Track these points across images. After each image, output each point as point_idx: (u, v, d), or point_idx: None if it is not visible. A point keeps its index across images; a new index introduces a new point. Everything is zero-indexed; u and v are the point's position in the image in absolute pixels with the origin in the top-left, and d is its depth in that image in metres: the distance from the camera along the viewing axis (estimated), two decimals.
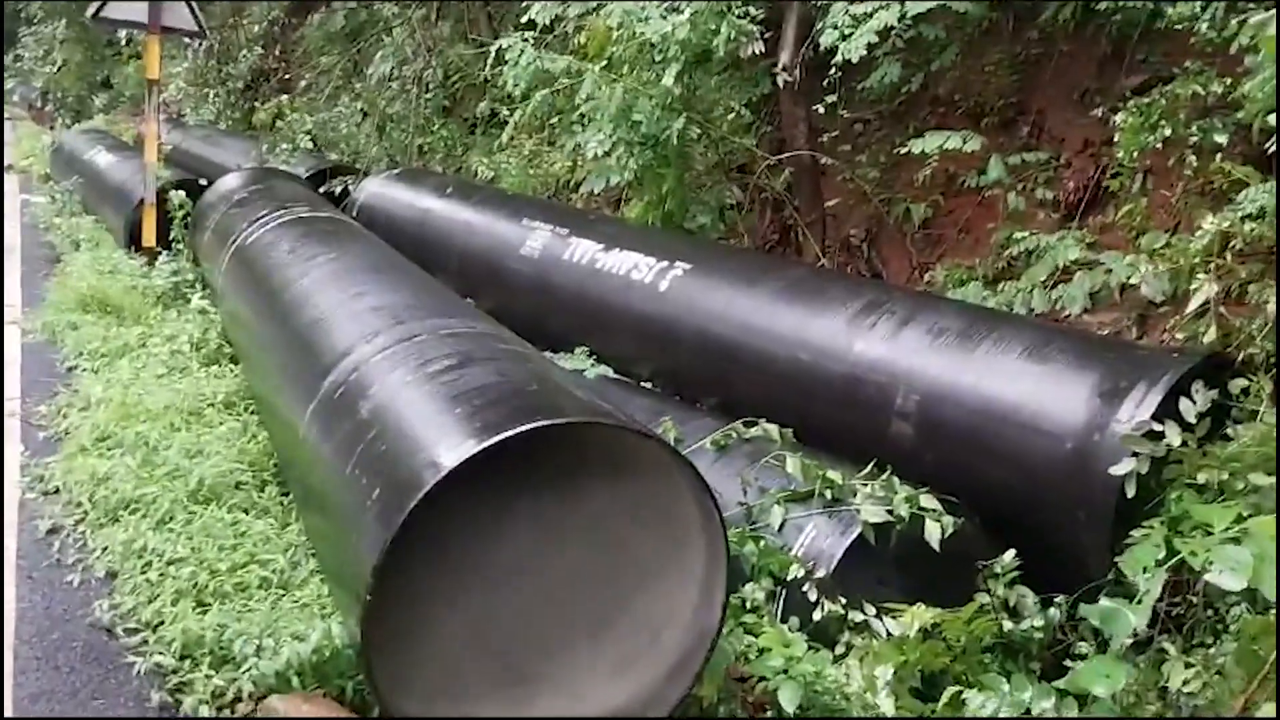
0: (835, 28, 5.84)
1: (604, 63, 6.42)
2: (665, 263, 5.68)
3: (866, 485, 3.88)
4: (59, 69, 23.36)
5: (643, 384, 5.61)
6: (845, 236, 6.92)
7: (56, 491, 4.06)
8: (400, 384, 3.15)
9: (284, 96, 10.79)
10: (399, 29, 9.63)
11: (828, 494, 3.87)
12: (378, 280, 4.43)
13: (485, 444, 2.55)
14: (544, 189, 8.72)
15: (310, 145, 10.27)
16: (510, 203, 7.34)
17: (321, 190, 8.89)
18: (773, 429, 4.51)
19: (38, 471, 4.21)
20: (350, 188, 9.08)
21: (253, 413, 5.00)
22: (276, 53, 13.88)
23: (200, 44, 13.81)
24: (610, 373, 5.75)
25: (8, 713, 2.88)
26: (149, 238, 8.48)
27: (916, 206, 6.62)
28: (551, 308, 6.26)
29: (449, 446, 2.61)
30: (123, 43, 22.98)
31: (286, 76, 13.89)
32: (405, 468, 2.66)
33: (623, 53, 6.40)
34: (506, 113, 7.58)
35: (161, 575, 3.26)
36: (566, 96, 6.69)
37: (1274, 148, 3.93)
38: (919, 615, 3.20)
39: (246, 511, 3.75)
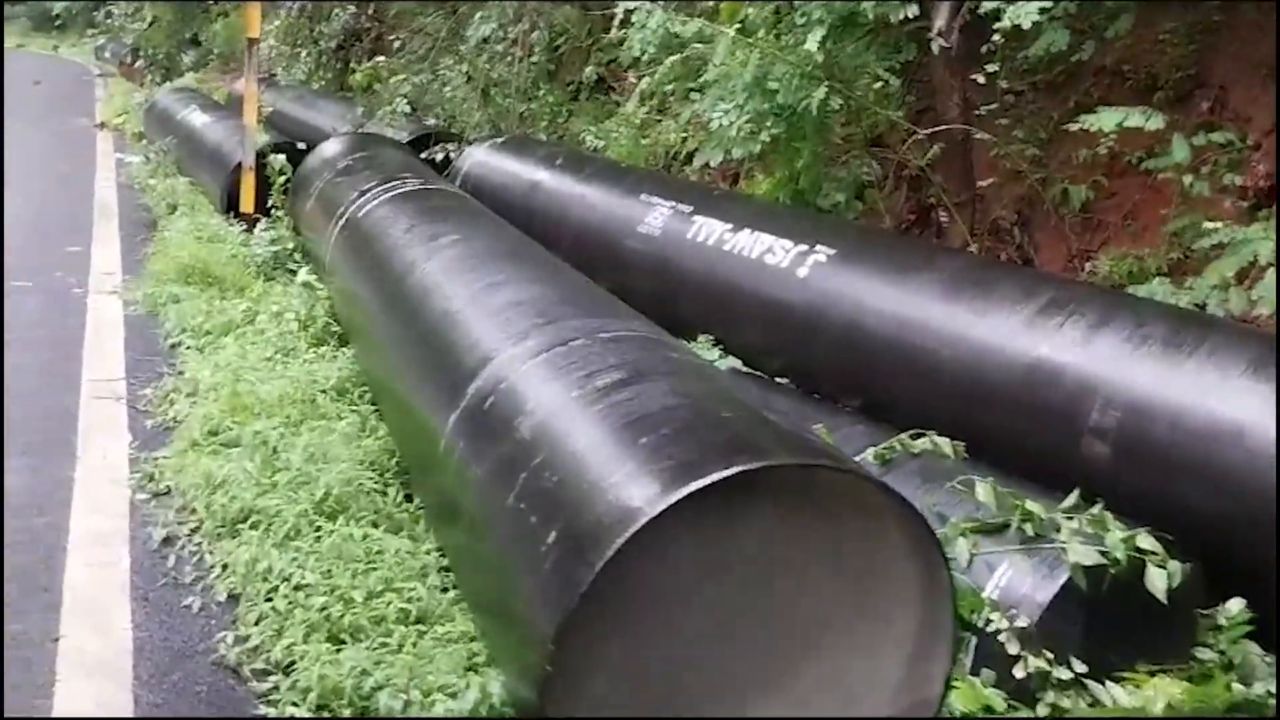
0: None
1: (737, 26, 5.91)
2: (804, 246, 5.19)
3: (1072, 519, 3.39)
4: (149, 25, 23.42)
5: (776, 379, 5.16)
6: (994, 219, 6.34)
7: (168, 493, 3.75)
8: (564, 401, 2.73)
9: (380, 58, 10.41)
10: None
11: (1027, 528, 3.39)
12: (513, 268, 4.02)
13: (686, 490, 2.13)
14: (654, 161, 8.24)
15: (407, 109, 9.90)
16: (626, 176, 6.88)
17: (422, 157, 8.52)
18: (944, 443, 4.01)
19: (147, 469, 3.91)
20: (451, 155, 8.71)
21: (369, 401, 4.66)
22: (370, 12, 13.51)
23: (294, 2, 13.54)
24: (740, 365, 5.31)
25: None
26: (247, 203, 8.22)
27: (1076, 188, 6.01)
28: (672, 291, 5.81)
29: (643, 490, 2.20)
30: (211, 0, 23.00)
31: (379, 37, 13.54)
32: (589, 513, 2.25)
33: (758, 15, 5.89)
34: (632, 79, 7.12)
35: (290, 604, 2.91)
36: (693, 63, 6.20)
37: None
38: (1162, 688, 2.73)
39: (376, 525, 3.39)
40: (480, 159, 8.06)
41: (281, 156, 7.94)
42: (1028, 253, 6.30)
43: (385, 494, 3.72)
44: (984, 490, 3.51)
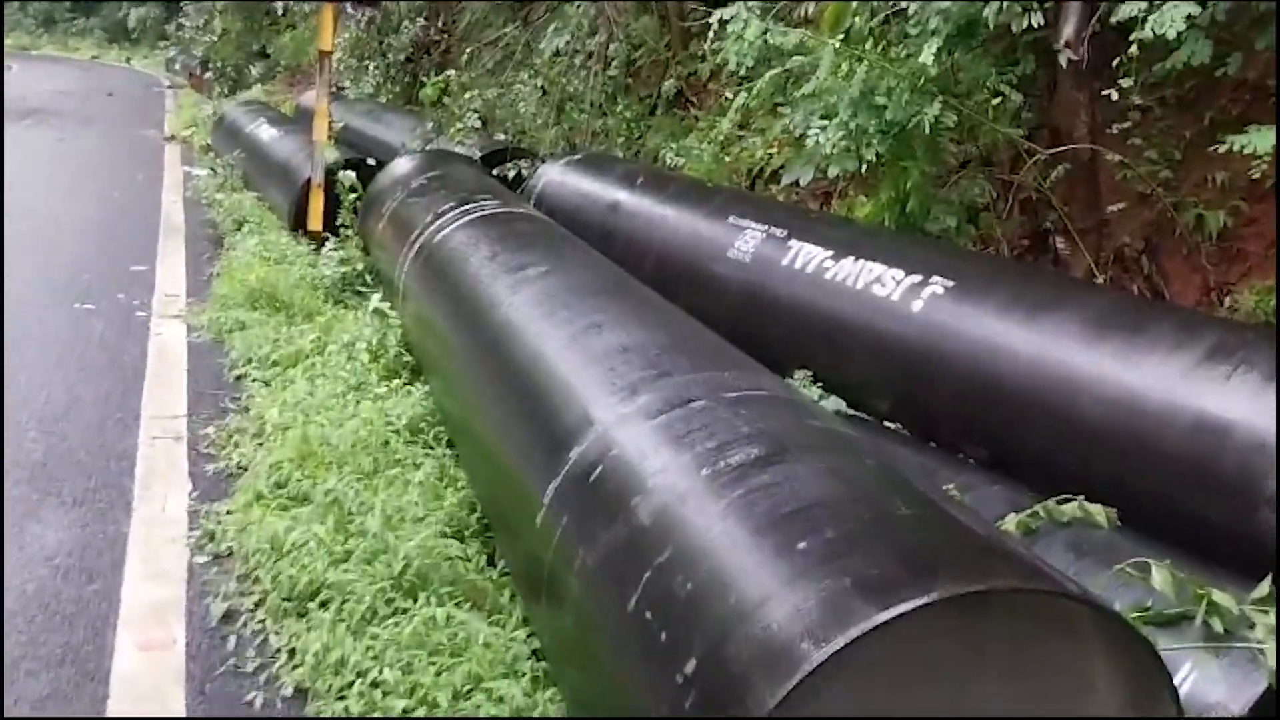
0: None
1: (840, 36, 5.46)
2: (918, 277, 4.72)
3: (1268, 614, 2.88)
4: (219, 37, 23.54)
5: (885, 422, 4.70)
6: (1119, 247, 5.81)
7: (229, 554, 3.39)
8: (692, 482, 2.30)
9: (451, 71, 10.11)
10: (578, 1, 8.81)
11: (1214, 622, 2.89)
12: (613, 305, 3.60)
13: (873, 623, 1.69)
14: (736, 179, 7.81)
15: (478, 124, 9.58)
16: (713, 197, 6.46)
17: (494, 174, 8.18)
18: (1096, 510, 3.50)
19: (208, 525, 3.55)
20: (524, 172, 8.37)
21: (445, 442, 4.28)
22: (439, 24, 13.27)
23: (363, 14, 13.34)
24: (843, 406, 4.85)
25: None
26: (315, 221, 7.94)
27: (1212, 214, 5.47)
28: (765, 321, 5.37)
29: (813, 619, 1.75)
30: (279, 12, 23.04)
31: (447, 50, 13.29)
32: (742, 645, 1.81)
33: (864, 25, 5.44)
34: (728, 94, 6.69)
35: (367, 705, 2.52)
36: (794, 75, 5.76)
37: None
38: None
39: (460, 602, 2.99)
40: (555, 177, 7.69)
41: (351, 173, 7.65)
42: (1157, 284, 5.75)
43: (467, 558, 3.33)
44: (1161, 576, 3.00)
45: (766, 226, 5.58)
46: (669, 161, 7.66)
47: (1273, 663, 2.71)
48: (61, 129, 16.27)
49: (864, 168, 5.60)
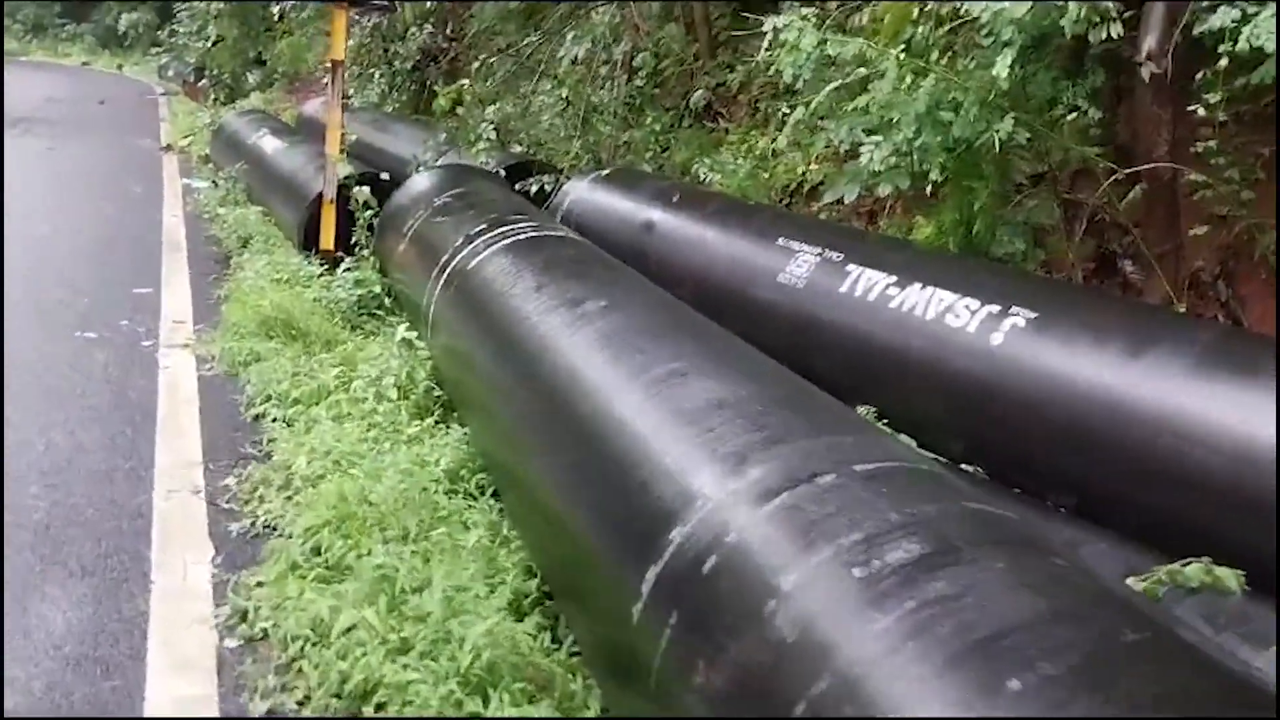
0: (1232, 3, 4.41)
1: (901, 47, 5.10)
2: (995, 307, 4.35)
3: None
4: (214, 44, 23.09)
5: (961, 466, 4.33)
6: (1193, 271, 5.45)
7: (264, 637, 2.99)
8: (843, 587, 1.91)
9: (465, 81, 9.73)
10: (600, 7, 8.43)
11: None
12: (694, 350, 3.21)
13: None
14: (772, 195, 7.43)
15: (493, 136, 9.19)
16: (757, 216, 6.08)
17: (516, 190, 7.79)
18: (1225, 574, 3.15)
19: (238, 601, 3.14)
20: (546, 188, 7.98)
21: (491, 493, 3.90)
22: (447, 31, 12.87)
23: (368, 20, 12.96)
24: (912, 445, 4.47)
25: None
26: (328, 240, 7.54)
27: None
28: (820, 353, 4.97)
29: None
30: (276, 18, 22.61)
31: (456, 58, 12.90)
32: None
33: (928, 34, 5.07)
34: (786, 108, 6.31)
35: None
36: (843, 88, 5.39)
37: None
38: None
39: (532, 697, 2.59)
40: (583, 194, 7.31)
41: (366, 189, 7.26)
42: (1235, 311, 5.40)
43: (533, 635, 2.93)
44: None
45: (820, 249, 5.21)
46: (702, 177, 7.28)
47: None
48: (52, 138, 15.83)
49: (923, 187, 5.24)
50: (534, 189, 7.92)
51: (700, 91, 8.12)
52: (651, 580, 2.33)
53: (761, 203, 6.77)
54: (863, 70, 4.97)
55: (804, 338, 5.05)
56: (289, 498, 3.73)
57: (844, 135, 5.71)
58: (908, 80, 4.92)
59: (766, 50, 5.25)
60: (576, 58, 8.89)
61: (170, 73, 27.82)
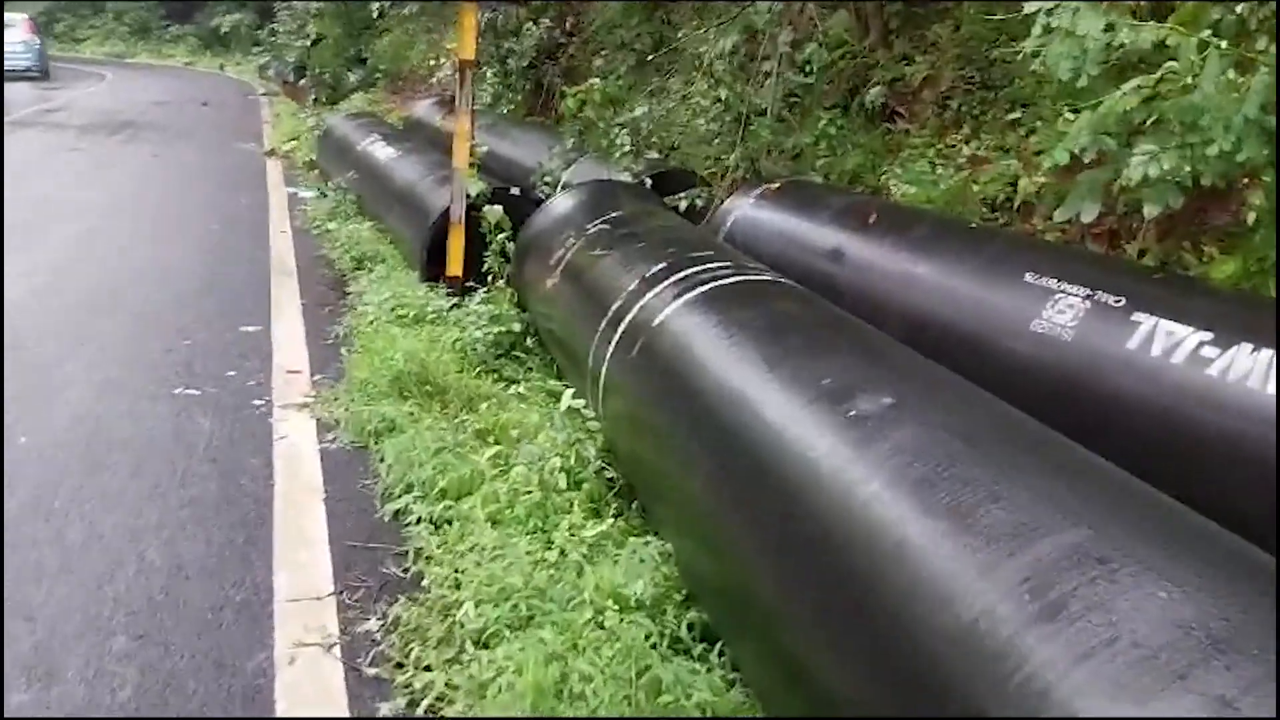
0: None
1: (1206, 32, 3.93)
2: None
3: None
4: (315, 43, 22.59)
5: None
6: None
7: None
8: None
9: (595, 80, 8.74)
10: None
11: None
12: (1048, 486, 2.17)
13: None
14: (971, 209, 6.27)
15: (626, 141, 8.19)
16: (989, 243, 4.92)
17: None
18: None
19: None
20: (697, 203, 6.95)
21: (716, 648, 2.89)
22: (566, 26, 11.94)
23: (483, 16, 12.07)
24: None
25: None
26: (455, 266, 6.62)
27: None
28: (1098, 429, 3.84)
29: None
30: (375, 15, 22.00)
31: (573, 54, 11.96)
32: None
33: (1247, 14, 3.90)
34: (968, 106, 5.19)
35: None
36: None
37: None
38: None
39: None
40: (748, 213, 6.24)
41: (498, 209, 6.32)
42: None
43: None
44: None
45: (1088, 290, 4.05)
46: (893, 189, 6.17)
47: None
48: (156, 143, 15.38)
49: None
50: (684, 205, 6.90)
51: (877, 88, 6.99)
52: None
53: (994, 227, 5.63)
54: (1174, 64, 3.80)
55: (1074, 407, 3.89)
56: (454, 661, 2.75)
57: (1083, 141, 4.58)
58: (1228, 76, 3.76)
59: (1034, 39, 4.10)
60: (724, 51, 7.83)
61: (271, 73, 27.56)
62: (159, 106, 21.50)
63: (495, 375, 5.35)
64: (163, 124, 18.08)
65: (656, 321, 3.84)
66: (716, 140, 7.38)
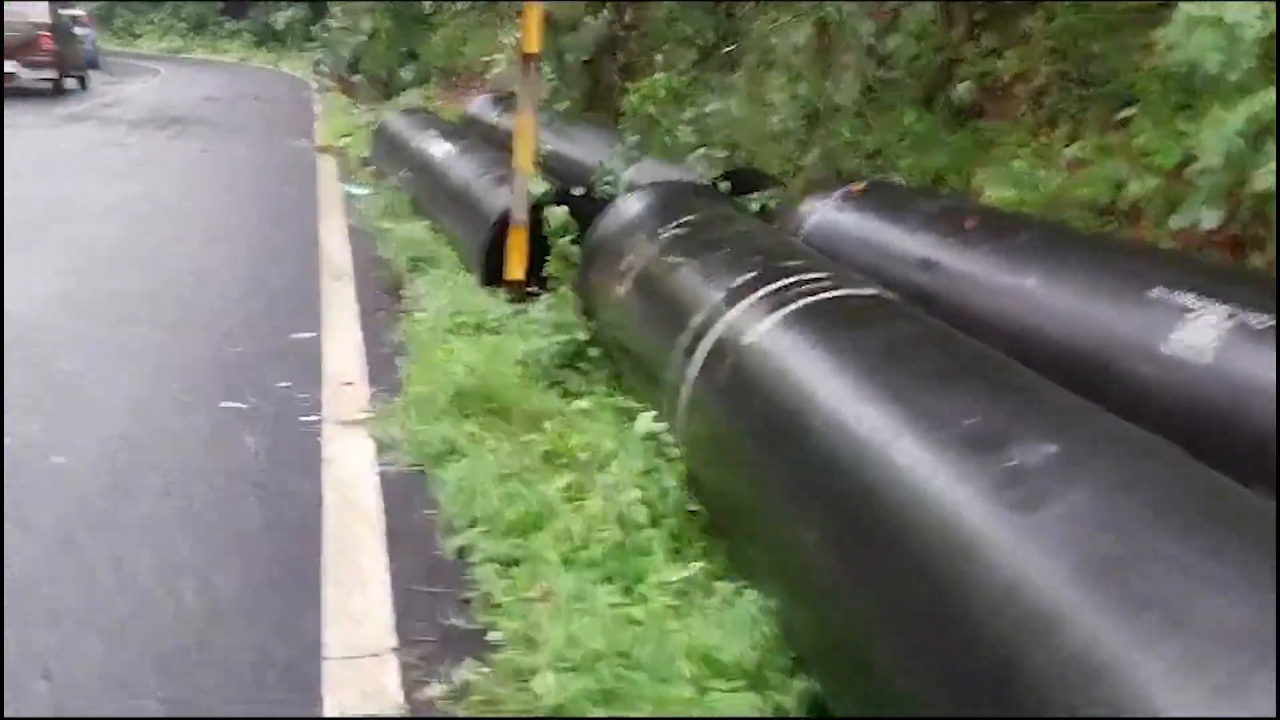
0: None
1: None
2: None
3: None
4: (369, 38, 22.42)
5: None
6: None
7: None
8: None
9: (661, 75, 8.37)
10: None
11: None
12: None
13: None
14: (1058, 211, 5.79)
15: (693, 141, 7.81)
16: (1106, 252, 4.48)
17: None
18: None
19: None
20: (769, 206, 6.53)
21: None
22: (624, 20, 11.56)
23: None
24: None
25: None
26: (516, 270, 6.27)
27: None
28: (1244, 466, 3.39)
29: None
30: (427, 10, 21.79)
31: (632, 49, 11.57)
32: None
33: None
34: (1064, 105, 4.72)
35: None
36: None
37: None
38: None
39: None
40: (828, 216, 5.81)
41: (563, 210, 5.96)
42: None
43: None
44: None
45: (1230, 307, 3.57)
46: (988, 193, 5.72)
47: None
48: (207, 139, 15.23)
49: None
50: (756, 207, 6.48)
51: (966, 83, 6.53)
52: None
53: (1110, 235, 5.16)
54: None
55: (1212, 442, 3.44)
56: None
57: (1210, 142, 4.13)
58: None
59: (1175, 28, 3.65)
60: (798, 45, 7.40)
61: (324, 68, 27.49)
62: (210, 102, 21.46)
63: (559, 388, 5.00)
64: (214, 119, 17.98)
65: (748, 340, 3.44)
66: (789, 138, 6.95)
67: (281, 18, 37.25)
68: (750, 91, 8.01)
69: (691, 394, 3.68)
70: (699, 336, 3.77)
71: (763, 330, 3.41)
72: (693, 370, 3.69)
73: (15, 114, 15.23)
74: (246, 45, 41.55)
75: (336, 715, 2.52)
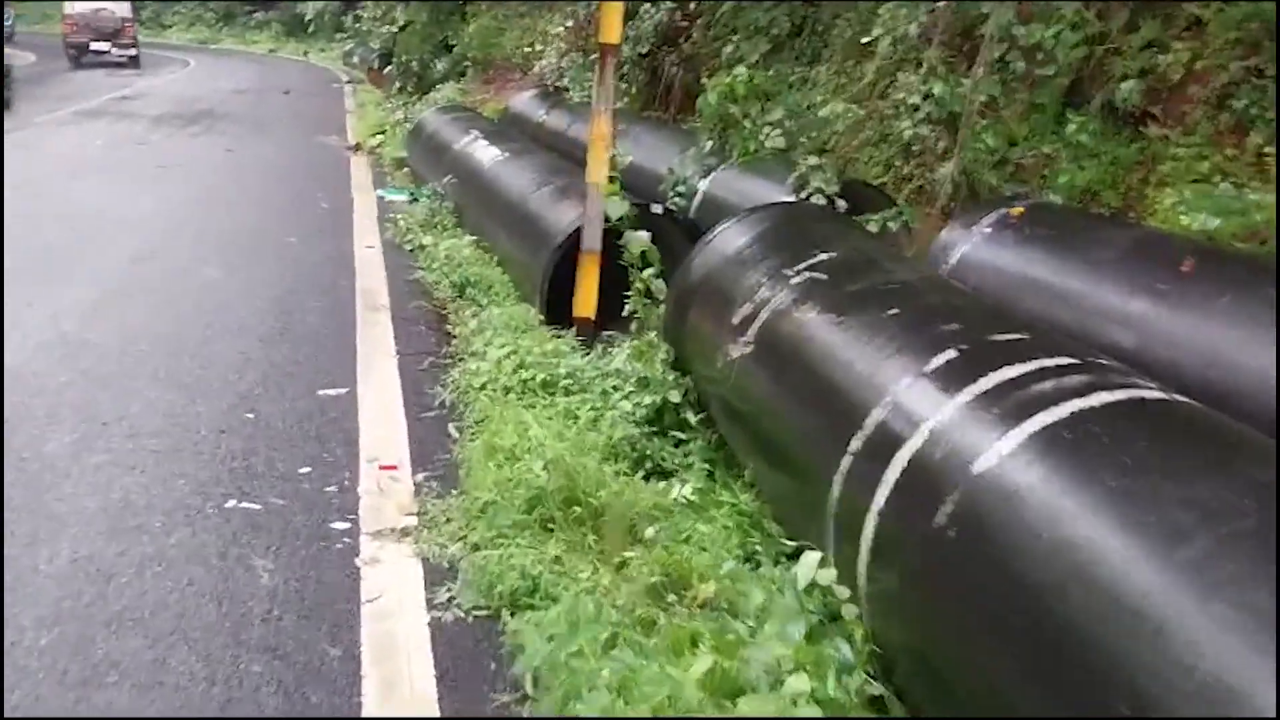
0: None
1: None
2: None
3: None
4: (402, 29, 21.40)
5: None
6: None
7: None
8: None
9: (741, 70, 7.26)
10: None
11: None
12: None
13: None
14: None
15: (780, 145, 6.73)
16: None
17: None
18: None
19: None
20: (889, 226, 5.45)
21: None
22: (688, 8, 10.45)
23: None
24: None
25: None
26: (586, 305, 5.21)
27: None
28: None
29: None
30: (461, 2, 20.72)
31: (695, 40, 10.47)
32: None
33: None
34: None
35: None
36: None
37: None
38: None
39: None
40: (981, 249, 4.69)
41: (645, 236, 4.91)
42: None
43: None
44: None
45: None
46: (1184, 220, 4.58)
47: None
48: (233, 136, 14.25)
49: None
50: (874, 229, 5.39)
51: (1129, 82, 5.38)
52: None
53: None
54: None
55: None
56: None
57: None
58: None
59: None
60: (903, 36, 6.27)
61: (355, 59, 26.56)
62: (239, 95, 20.52)
63: (648, 461, 3.95)
64: (241, 114, 17.01)
65: (980, 468, 2.34)
66: (916, 144, 5.82)
67: (311, 8, 36.28)
68: (839, 88, 6.90)
69: (880, 528, 2.59)
70: (884, 446, 2.68)
71: (1006, 453, 2.32)
72: (880, 496, 2.61)
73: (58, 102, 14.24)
74: (275, 36, 40.69)
75: None
